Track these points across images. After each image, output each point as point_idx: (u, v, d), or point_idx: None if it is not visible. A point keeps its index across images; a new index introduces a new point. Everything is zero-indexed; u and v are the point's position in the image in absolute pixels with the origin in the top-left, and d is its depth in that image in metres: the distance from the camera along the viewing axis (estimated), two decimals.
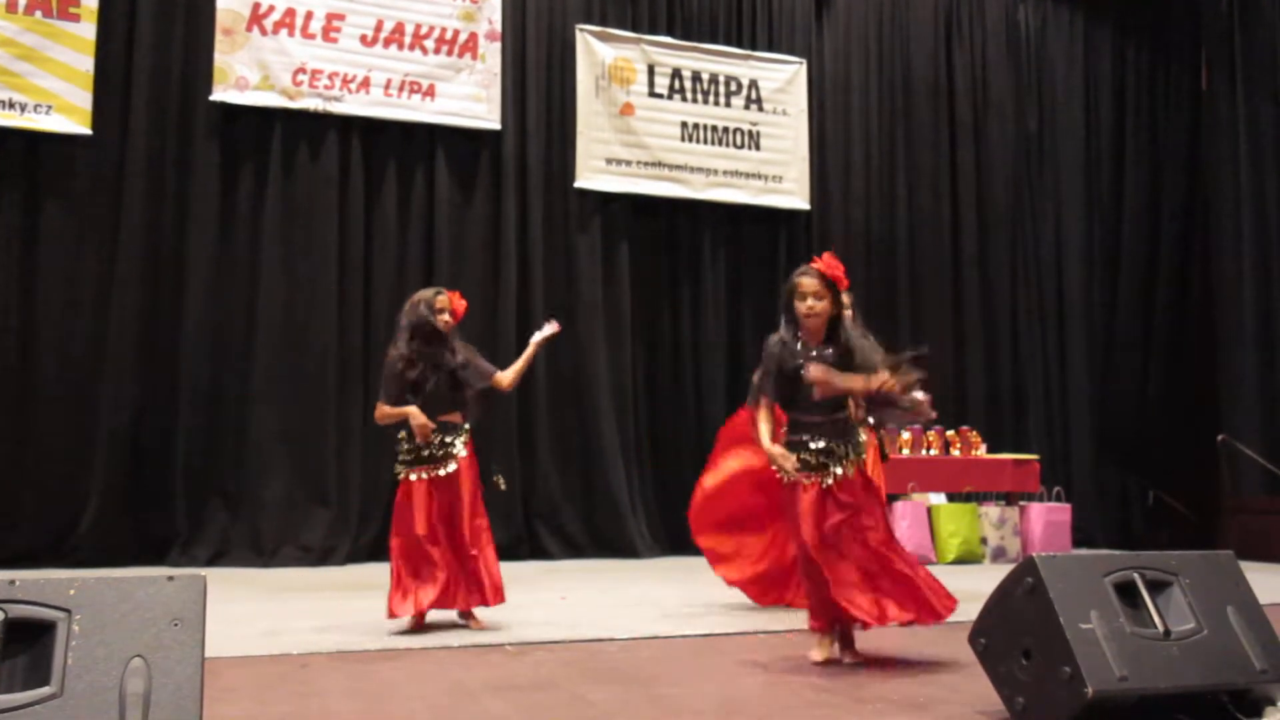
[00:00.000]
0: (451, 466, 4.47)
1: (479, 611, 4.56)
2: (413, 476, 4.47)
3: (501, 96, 8.25)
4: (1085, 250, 10.15)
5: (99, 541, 6.88)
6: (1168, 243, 10.31)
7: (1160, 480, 9.90)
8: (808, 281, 3.72)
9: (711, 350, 8.78)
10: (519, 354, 7.99)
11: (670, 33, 8.92)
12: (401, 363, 4.47)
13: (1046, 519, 8.15)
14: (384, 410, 4.51)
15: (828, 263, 3.77)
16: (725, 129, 8.94)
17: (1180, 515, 9.61)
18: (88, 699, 2.01)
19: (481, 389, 4.66)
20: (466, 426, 4.59)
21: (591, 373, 8.32)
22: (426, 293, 4.62)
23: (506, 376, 4.72)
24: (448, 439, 4.50)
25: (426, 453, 4.46)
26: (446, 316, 4.54)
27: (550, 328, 4.86)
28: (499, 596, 4.50)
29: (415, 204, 8.07)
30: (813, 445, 3.71)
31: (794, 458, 3.69)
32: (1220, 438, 8.83)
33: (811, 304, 3.70)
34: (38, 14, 7.09)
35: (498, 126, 8.23)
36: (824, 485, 3.68)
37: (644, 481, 8.50)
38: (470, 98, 8.16)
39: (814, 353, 3.73)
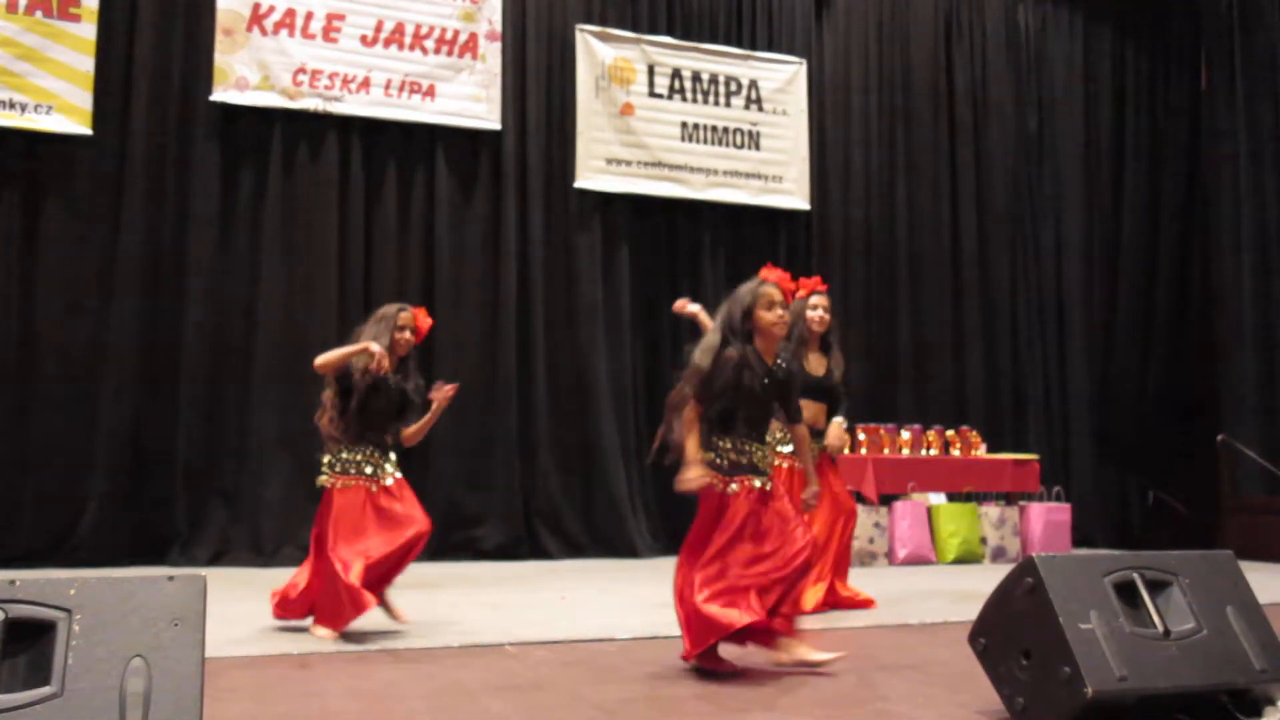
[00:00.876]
0: (389, 481, 4.38)
1: (405, 608, 4.54)
2: (342, 485, 4.32)
3: (501, 96, 8.25)
4: (1085, 250, 10.15)
5: (99, 541, 6.88)
6: (1168, 243, 10.30)
7: (1160, 480, 9.90)
8: (776, 291, 3.70)
9: None
10: (519, 354, 8.10)
11: (670, 33, 8.92)
12: (356, 372, 4.35)
13: (1046, 519, 8.15)
14: (328, 355, 4.32)
15: (782, 277, 3.80)
16: (725, 129, 8.94)
17: (1180, 515, 9.60)
18: (88, 699, 2.01)
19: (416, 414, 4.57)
20: (393, 455, 4.48)
21: (591, 373, 8.32)
22: (389, 309, 4.52)
23: (410, 430, 4.55)
24: (382, 457, 4.42)
25: (355, 468, 4.35)
26: (408, 334, 4.46)
27: (447, 389, 4.55)
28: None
29: (415, 204, 8.07)
30: (753, 455, 3.71)
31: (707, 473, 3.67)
32: (1220, 438, 8.82)
33: (781, 313, 3.68)
34: (38, 14, 7.09)
35: (498, 126, 8.23)
36: (761, 490, 3.69)
37: (644, 481, 8.49)
38: (470, 98, 8.17)
39: (768, 373, 3.70)
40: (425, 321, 4.57)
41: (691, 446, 3.68)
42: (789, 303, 3.82)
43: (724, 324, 3.71)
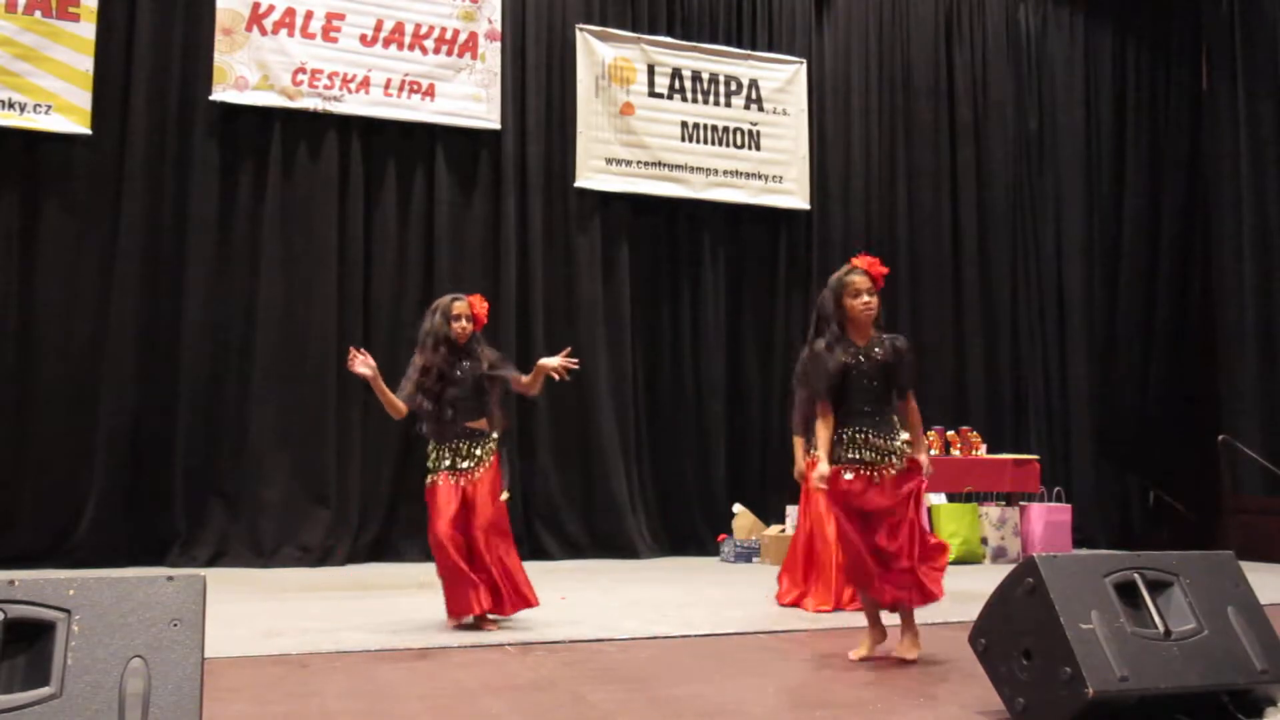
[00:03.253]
0: (477, 474, 4.43)
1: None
2: (439, 480, 4.43)
3: (501, 96, 8.25)
4: (1085, 250, 10.15)
5: (99, 541, 6.88)
6: (1168, 243, 10.30)
7: (1160, 480, 9.90)
8: (861, 279, 3.87)
9: (711, 350, 8.78)
10: (519, 354, 8.07)
11: (670, 33, 8.92)
12: (419, 371, 4.43)
13: (1047, 519, 8.15)
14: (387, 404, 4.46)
15: (871, 262, 3.94)
16: (725, 129, 8.93)
17: (1180, 515, 9.60)
18: (87, 699, 2.01)
19: (506, 393, 4.63)
20: (494, 435, 4.53)
21: (591, 373, 8.30)
22: (444, 300, 4.58)
23: (525, 379, 4.66)
24: (474, 446, 4.46)
25: (450, 461, 4.43)
26: (464, 323, 4.48)
27: (564, 361, 4.61)
28: (518, 604, 4.47)
29: (415, 204, 8.06)
30: (868, 438, 3.85)
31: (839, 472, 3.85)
32: (1220, 438, 8.82)
33: (867, 300, 3.85)
34: (37, 14, 7.08)
35: (497, 126, 8.22)
36: (874, 478, 3.82)
37: (644, 481, 8.49)
38: (470, 97, 8.16)
39: (861, 352, 3.85)
40: (482, 307, 4.58)
41: (823, 444, 3.86)
42: (879, 287, 3.91)
43: (817, 316, 3.95)
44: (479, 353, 4.54)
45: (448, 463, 4.43)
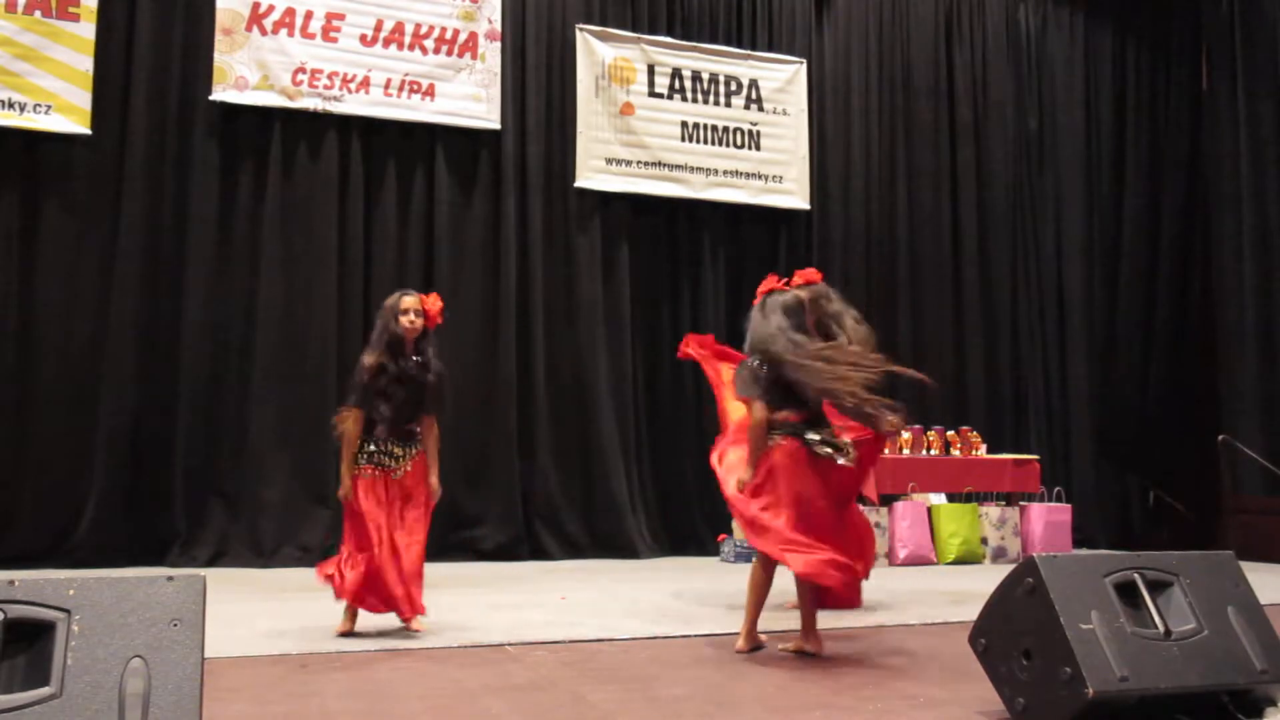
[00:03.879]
0: (404, 470, 4.36)
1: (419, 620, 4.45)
2: (363, 472, 4.33)
3: (501, 96, 8.25)
4: (1085, 250, 10.15)
5: (99, 541, 6.87)
6: (1168, 243, 10.30)
7: (1160, 480, 9.90)
8: None
9: None
10: (519, 354, 8.09)
11: (670, 33, 8.92)
12: (368, 372, 4.35)
13: (1047, 519, 8.15)
14: (349, 425, 4.34)
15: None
16: (725, 129, 8.93)
17: (1180, 515, 9.60)
18: (87, 699, 2.01)
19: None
20: (418, 433, 4.46)
21: (591, 372, 8.32)
22: (391, 297, 4.48)
23: (432, 435, 4.48)
24: (403, 445, 4.39)
25: (377, 458, 4.35)
26: (411, 318, 4.38)
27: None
28: (413, 610, 4.37)
29: (415, 204, 8.06)
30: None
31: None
32: (1220, 438, 8.82)
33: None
34: (37, 14, 7.08)
35: (497, 126, 8.22)
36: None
37: (644, 481, 8.49)
38: (470, 97, 8.16)
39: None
40: (434, 305, 4.46)
41: None
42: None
43: None
44: (428, 355, 4.45)
45: (372, 457, 4.34)
